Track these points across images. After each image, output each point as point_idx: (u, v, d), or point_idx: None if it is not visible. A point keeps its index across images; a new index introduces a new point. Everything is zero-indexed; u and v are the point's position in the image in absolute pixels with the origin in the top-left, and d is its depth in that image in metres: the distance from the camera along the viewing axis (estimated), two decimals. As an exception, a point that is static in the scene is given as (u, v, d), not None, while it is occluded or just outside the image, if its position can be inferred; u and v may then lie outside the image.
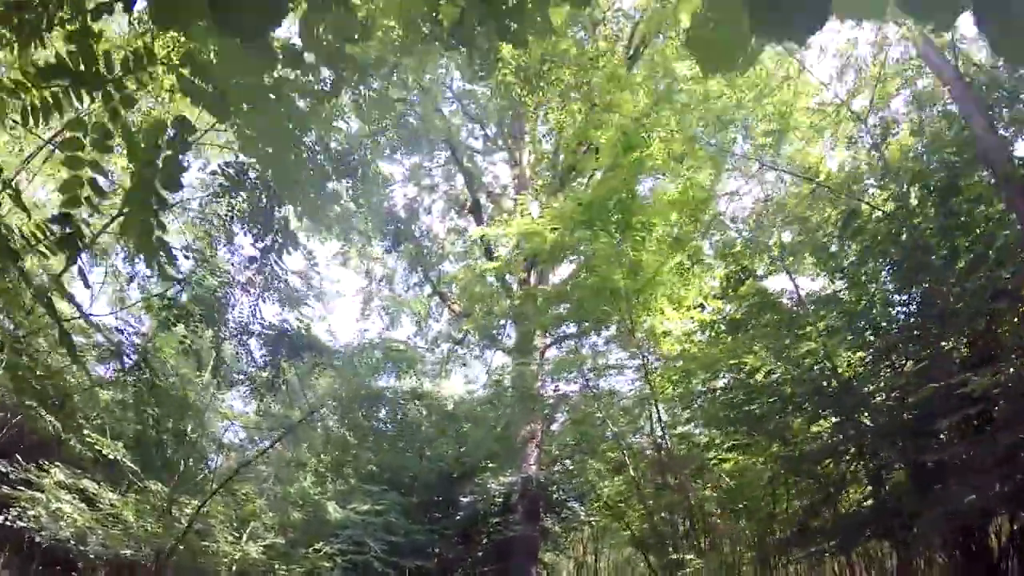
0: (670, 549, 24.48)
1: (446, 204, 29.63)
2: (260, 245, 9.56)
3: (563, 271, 20.91)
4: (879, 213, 12.61)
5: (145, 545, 12.17)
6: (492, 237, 19.04)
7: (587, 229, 13.38)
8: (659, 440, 21.64)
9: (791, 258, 14.48)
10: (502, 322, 23.95)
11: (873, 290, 13.22)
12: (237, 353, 13.71)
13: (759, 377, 14.12)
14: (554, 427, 24.49)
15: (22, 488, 12.02)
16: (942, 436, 11.94)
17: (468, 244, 26.31)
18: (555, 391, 23.73)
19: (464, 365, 26.61)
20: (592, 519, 25.63)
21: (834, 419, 13.85)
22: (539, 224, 13.64)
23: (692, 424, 20.88)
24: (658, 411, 18.94)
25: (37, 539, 11.99)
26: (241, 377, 13.96)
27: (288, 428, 14.85)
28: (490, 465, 19.84)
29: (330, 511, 16.51)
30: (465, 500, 19.49)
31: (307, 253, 13.35)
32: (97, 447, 12.91)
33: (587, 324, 14.95)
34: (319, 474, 18.59)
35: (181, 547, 12.29)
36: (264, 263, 10.40)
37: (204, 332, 12.75)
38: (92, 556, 12.46)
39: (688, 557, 16.82)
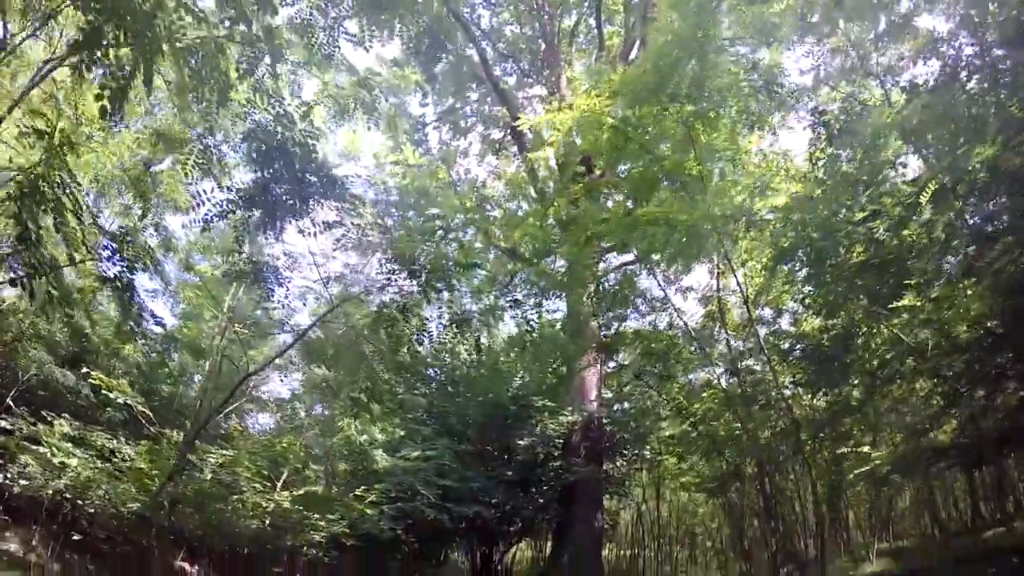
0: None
1: (483, 147, 27.14)
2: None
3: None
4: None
5: (159, 498, 9.94)
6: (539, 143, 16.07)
7: (653, 102, 10.56)
8: (732, 371, 19.11)
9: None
10: (553, 259, 21.37)
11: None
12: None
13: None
14: (614, 364, 22.05)
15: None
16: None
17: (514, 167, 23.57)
18: (611, 326, 21.37)
19: (515, 304, 24.01)
20: (656, 459, 23.25)
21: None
22: (597, 103, 10.77)
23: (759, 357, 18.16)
24: (727, 334, 16.36)
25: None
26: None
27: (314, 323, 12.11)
28: (548, 405, 17.29)
29: (377, 459, 14.14)
30: (523, 444, 16.97)
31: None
32: (108, 392, 10.66)
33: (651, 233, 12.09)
34: (364, 420, 16.18)
35: (200, 499, 10.02)
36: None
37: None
38: (92, 512, 10.24)
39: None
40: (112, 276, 9.31)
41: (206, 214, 8.62)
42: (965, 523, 17.27)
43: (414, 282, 10.68)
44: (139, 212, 12.58)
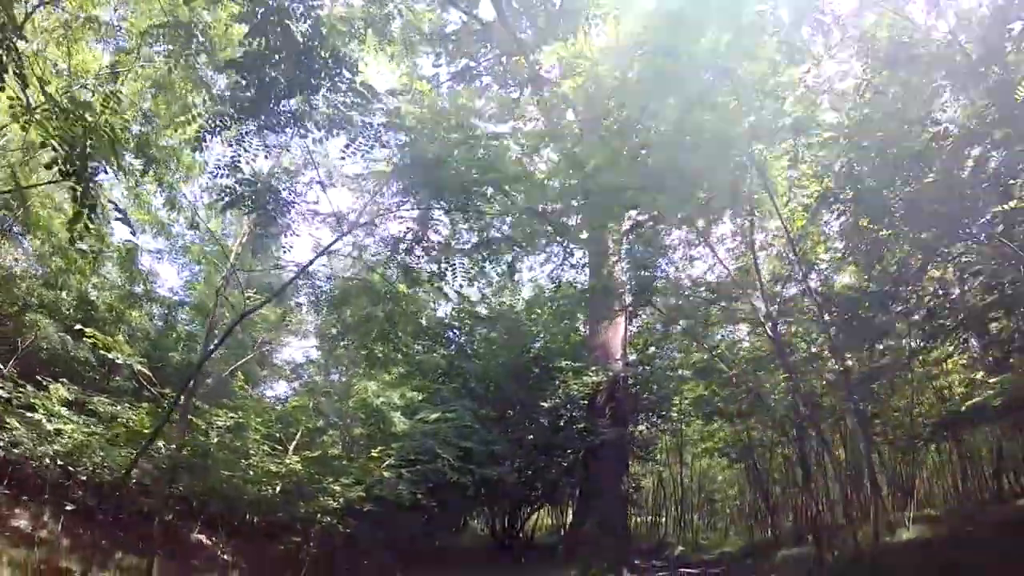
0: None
1: (500, 108, 25.85)
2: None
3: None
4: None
5: (162, 462, 9.02)
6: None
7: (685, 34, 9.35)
8: (764, 327, 18.03)
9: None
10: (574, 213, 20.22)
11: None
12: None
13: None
14: (639, 324, 21.02)
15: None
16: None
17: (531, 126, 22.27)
18: (633, 283, 20.34)
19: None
20: (679, 424, 22.32)
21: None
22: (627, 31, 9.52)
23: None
24: (761, 286, 15.19)
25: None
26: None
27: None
28: (572, 365, 16.29)
29: (395, 422, 13.18)
30: (545, 406, 15.97)
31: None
32: (107, 352, 9.71)
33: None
34: (381, 382, 15.24)
35: (205, 463, 9.09)
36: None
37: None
38: (98, 483, 9.34)
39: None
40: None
41: (199, 132, 7.42)
42: (992, 493, 16.24)
43: (438, 201, 9.28)
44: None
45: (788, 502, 22.60)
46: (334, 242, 9.01)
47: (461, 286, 11.54)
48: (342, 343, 12.03)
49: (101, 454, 8.90)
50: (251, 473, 9.35)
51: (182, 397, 9.01)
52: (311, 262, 8.87)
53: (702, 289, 18.83)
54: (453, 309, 19.20)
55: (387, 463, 9.97)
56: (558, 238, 20.57)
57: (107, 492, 10.34)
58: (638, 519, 28.41)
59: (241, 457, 9.33)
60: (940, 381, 16.59)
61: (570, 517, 23.75)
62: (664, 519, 27.86)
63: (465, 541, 19.89)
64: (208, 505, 11.26)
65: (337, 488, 9.38)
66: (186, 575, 10.86)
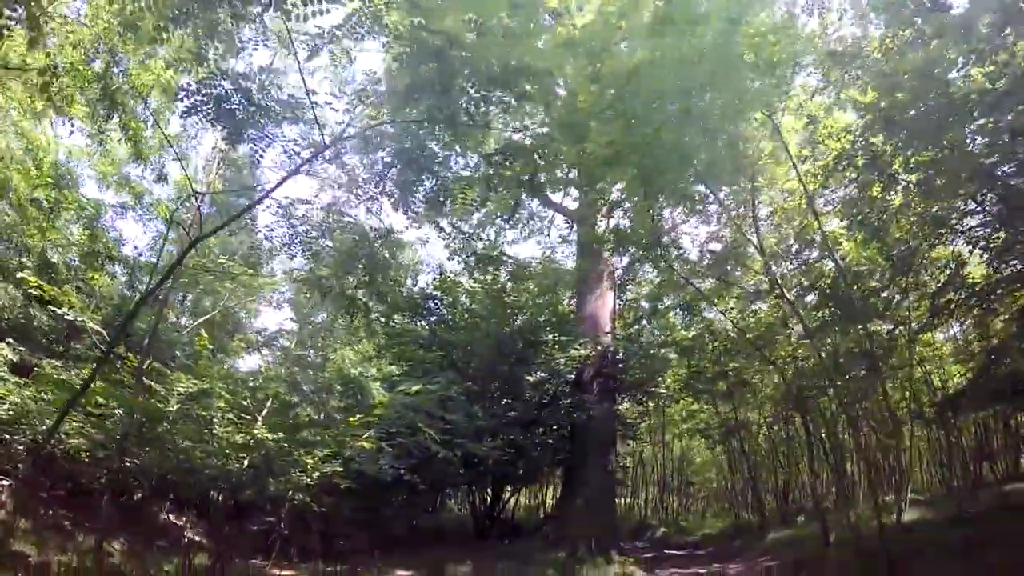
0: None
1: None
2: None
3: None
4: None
5: (115, 432, 7.90)
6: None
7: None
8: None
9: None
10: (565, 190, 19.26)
11: None
12: None
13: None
14: (626, 297, 20.18)
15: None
16: None
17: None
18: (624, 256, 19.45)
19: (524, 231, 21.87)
20: (662, 404, 21.58)
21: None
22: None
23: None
24: (762, 249, 14.30)
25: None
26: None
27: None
28: (559, 339, 15.36)
29: (374, 393, 12.12)
30: (531, 380, 15.01)
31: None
32: (55, 306, 8.57)
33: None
34: (358, 352, 14.19)
35: (161, 430, 7.96)
36: None
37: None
38: (21, 448, 8.18)
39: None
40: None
41: (159, 24, 6.14)
42: (976, 477, 15.71)
43: (445, 100, 7.70)
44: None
45: (774, 484, 22.05)
46: (313, 157, 7.76)
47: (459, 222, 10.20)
48: (322, 287, 10.64)
49: (48, 422, 7.77)
50: (215, 445, 8.25)
51: (120, 348, 7.88)
52: (284, 180, 7.61)
53: (699, 258, 18.06)
54: (435, 278, 18.19)
55: (367, 435, 8.87)
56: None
57: (60, 467, 9.26)
58: (618, 500, 27.74)
59: (204, 427, 8.23)
60: (930, 366, 15.97)
61: (552, 497, 22.97)
62: (643, 500, 27.23)
63: (443, 522, 18.94)
64: (175, 484, 10.26)
65: (311, 461, 8.31)
66: (149, 556, 9.86)
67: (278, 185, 7.81)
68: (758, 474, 21.28)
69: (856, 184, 11.79)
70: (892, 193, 11.34)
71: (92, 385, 7.34)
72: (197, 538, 10.39)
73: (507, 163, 9.33)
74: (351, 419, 8.41)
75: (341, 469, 8.46)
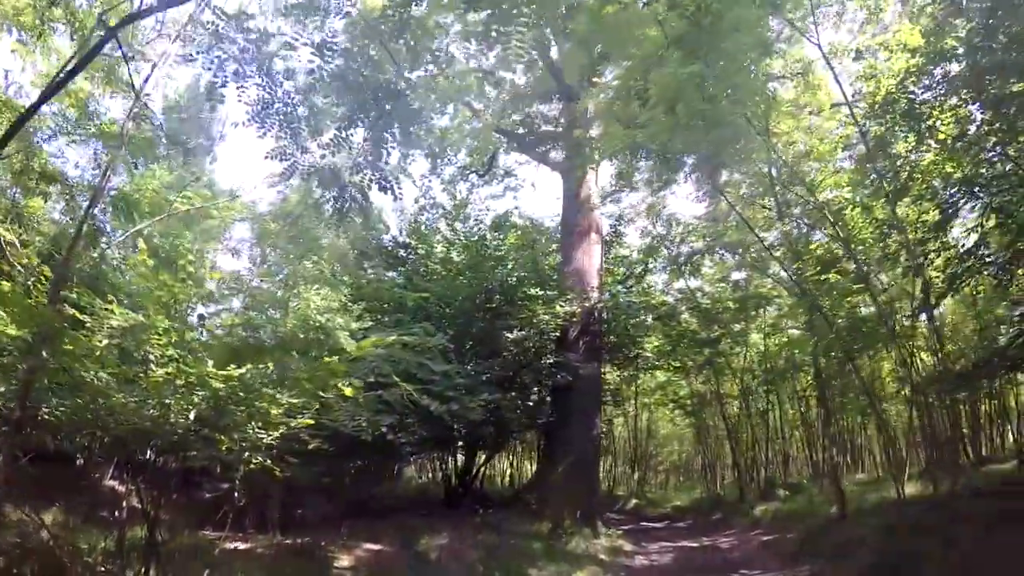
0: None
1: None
2: None
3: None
4: None
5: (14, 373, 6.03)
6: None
7: None
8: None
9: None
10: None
11: None
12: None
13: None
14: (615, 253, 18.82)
15: None
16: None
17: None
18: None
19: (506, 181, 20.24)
20: (638, 370, 20.39)
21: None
22: None
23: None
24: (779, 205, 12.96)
25: None
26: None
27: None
28: (545, 293, 13.81)
29: (343, 342, 10.33)
30: (512, 337, 13.43)
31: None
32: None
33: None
34: (324, 295, 12.41)
35: (85, 369, 6.09)
36: None
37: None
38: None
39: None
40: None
41: None
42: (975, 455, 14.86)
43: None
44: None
45: (749, 458, 21.21)
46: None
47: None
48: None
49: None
50: (151, 392, 6.40)
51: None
52: None
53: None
54: (410, 224, 16.52)
55: (350, 381, 7.06)
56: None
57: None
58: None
59: (140, 368, 6.42)
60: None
61: (528, 464, 21.59)
62: (609, 471, 26.11)
63: (405, 490, 17.38)
64: (111, 444, 8.53)
65: (275, 412, 6.53)
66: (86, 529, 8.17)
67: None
68: (739, 447, 20.39)
69: (890, 132, 10.57)
70: (923, 148, 10.38)
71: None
72: (144, 507, 8.65)
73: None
74: (325, 359, 6.60)
75: (312, 422, 6.71)
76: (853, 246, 11.44)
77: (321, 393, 7.01)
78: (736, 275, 20.14)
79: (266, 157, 7.93)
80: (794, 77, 11.75)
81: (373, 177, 8.41)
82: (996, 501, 9.15)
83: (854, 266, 11.28)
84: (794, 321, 16.69)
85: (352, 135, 7.87)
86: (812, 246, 12.76)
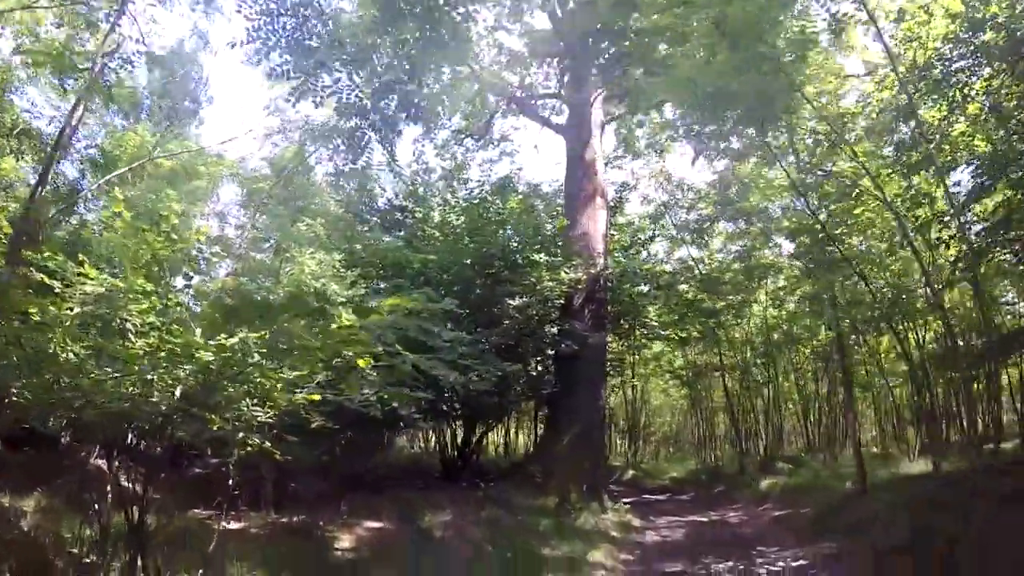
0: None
1: None
2: None
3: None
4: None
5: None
6: None
7: None
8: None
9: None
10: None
11: None
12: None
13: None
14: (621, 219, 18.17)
15: None
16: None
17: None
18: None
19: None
20: (639, 341, 19.85)
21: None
22: None
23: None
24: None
25: None
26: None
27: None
28: (550, 259, 13.10)
29: (339, 313, 9.60)
30: (514, 304, 12.77)
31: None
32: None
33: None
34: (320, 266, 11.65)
35: (46, 345, 5.27)
36: None
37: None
38: None
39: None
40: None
41: None
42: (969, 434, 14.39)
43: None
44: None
45: (747, 431, 20.89)
46: None
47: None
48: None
49: None
50: (131, 378, 5.59)
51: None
52: None
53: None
54: (409, 187, 15.71)
55: (360, 350, 6.26)
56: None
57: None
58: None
59: (118, 342, 5.62)
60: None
61: (528, 436, 21.02)
62: (608, 442, 25.69)
63: (400, 462, 16.75)
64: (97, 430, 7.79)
65: (277, 385, 5.77)
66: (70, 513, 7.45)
67: None
68: (741, 419, 20.03)
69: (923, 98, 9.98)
70: (954, 118, 9.99)
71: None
72: (132, 487, 7.96)
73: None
74: (341, 321, 5.81)
75: (318, 397, 5.97)
76: (891, 213, 10.83)
77: (335, 362, 6.30)
78: (741, 244, 19.58)
79: (277, 76, 6.95)
80: (836, 32, 11.06)
81: (405, 103, 7.61)
82: (1009, 479, 8.70)
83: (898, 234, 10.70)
84: (803, 292, 16.08)
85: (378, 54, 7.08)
86: (853, 208, 12.04)
